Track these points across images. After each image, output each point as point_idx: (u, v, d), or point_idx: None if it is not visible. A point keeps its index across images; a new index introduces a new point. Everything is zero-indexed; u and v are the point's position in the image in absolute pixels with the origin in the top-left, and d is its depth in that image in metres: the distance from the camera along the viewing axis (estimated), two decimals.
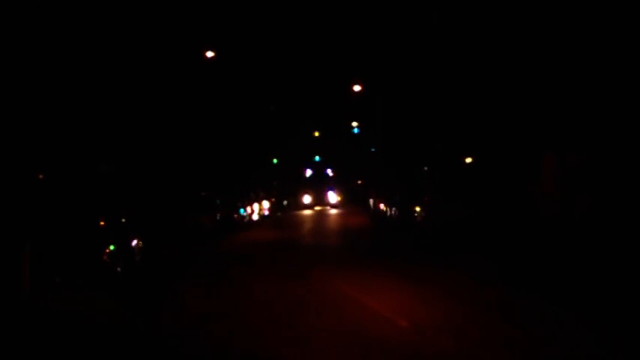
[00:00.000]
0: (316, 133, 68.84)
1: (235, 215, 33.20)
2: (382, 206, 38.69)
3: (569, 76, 21.86)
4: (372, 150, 61.75)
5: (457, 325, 10.24)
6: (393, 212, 33.43)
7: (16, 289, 10.10)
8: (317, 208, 58.73)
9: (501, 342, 9.14)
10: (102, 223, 14.90)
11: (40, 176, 22.11)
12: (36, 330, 9.22)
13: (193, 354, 8.78)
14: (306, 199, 59.21)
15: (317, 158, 74.71)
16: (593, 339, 9.29)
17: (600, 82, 20.57)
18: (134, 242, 16.34)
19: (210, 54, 35.21)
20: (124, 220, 16.32)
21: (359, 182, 72.53)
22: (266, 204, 45.73)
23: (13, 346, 8.57)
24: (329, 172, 71.17)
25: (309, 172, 70.52)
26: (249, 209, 37.68)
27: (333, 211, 54.85)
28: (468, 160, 35.15)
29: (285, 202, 57.87)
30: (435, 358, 8.38)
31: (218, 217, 29.04)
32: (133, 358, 8.68)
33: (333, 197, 60.23)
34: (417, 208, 27.22)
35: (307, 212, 54.16)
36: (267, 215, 44.84)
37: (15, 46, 21.04)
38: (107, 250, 14.15)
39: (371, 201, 47.03)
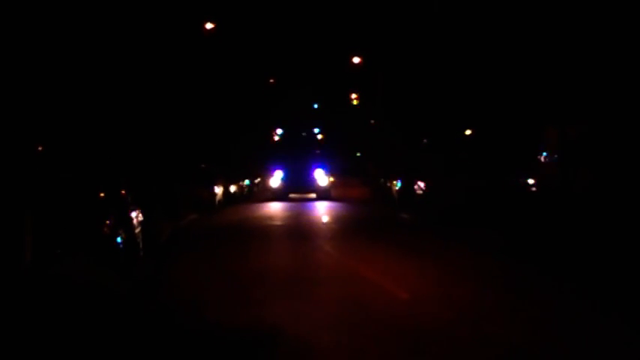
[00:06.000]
0: (315, 105, 68.61)
1: (234, 188, 33.20)
2: (382, 180, 38.64)
3: (570, 48, 21.72)
4: (372, 122, 61.17)
5: (459, 297, 10.21)
6: (393, 185, 33.35)
7: (17, 260, 10.07)
8: (292, 195, 36.93)
9: (504, 314, 9.12)
10: (102, 195, 14.83)
11: (40, 148, 22.03)
12: (39, 299, 9.23)
13: (193, 324, 8.75)
14: (275, 181, 36.56)
15: (317, 130, 59.11)
16: (593, 309, 9.28)
17: (600, 54, 20.45)
18: (133, 214, 16.29)
19: (209, 25, 35.01)
20: (123, 192, 16.25)
21: (358, 155, 71.60)
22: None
23: (17, 315, 8.59)
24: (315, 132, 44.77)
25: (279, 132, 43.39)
26: (247, 182, 37.64)
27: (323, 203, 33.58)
28: (468, 132, 35.08)
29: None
30: (436, 329, 8.34)
31: (216, 190, 29.09)
32: (134, 327, 8.68)
33: (321, 177, 36.72)
34: (420, 182, 27.15)
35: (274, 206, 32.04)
36: (267, 188, 44.95)
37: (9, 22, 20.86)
38: (107, 222, 14.10)
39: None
